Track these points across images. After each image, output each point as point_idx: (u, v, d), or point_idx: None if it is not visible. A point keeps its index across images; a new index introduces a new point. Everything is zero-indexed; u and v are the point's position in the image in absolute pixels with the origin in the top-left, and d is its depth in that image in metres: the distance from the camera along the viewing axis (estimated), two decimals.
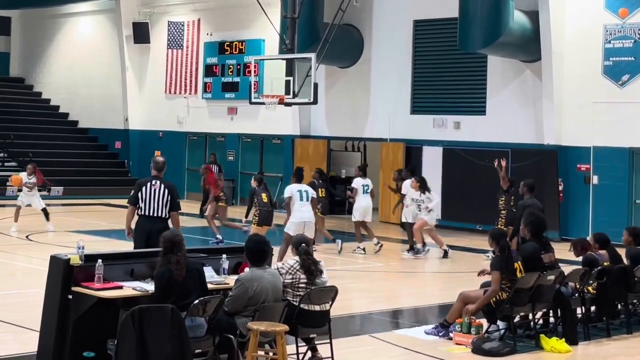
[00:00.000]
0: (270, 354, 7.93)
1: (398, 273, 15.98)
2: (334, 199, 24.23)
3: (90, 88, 32.44)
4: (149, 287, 7.84)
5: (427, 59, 23.90)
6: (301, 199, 14.20)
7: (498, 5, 19.67)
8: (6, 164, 28.52)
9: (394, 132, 24.09)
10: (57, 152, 30.77)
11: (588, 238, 12.29)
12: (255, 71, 23.96)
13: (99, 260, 7.85)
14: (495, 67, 22.31)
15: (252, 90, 22.02)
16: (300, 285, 8.34)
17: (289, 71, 20.58)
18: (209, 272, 8.31)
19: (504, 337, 9.77)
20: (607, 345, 10.27)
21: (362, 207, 17.73)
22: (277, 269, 8.35)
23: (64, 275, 7.82)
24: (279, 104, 20.74)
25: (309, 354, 8.53)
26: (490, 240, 9.95)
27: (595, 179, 20.63)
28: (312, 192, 14.68)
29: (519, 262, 9.85)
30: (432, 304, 12.73)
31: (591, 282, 10.74)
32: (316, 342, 8.63)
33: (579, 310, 10.62)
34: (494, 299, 9.72)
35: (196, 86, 29.12)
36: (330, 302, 8.43)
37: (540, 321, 10.57)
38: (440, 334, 10.08)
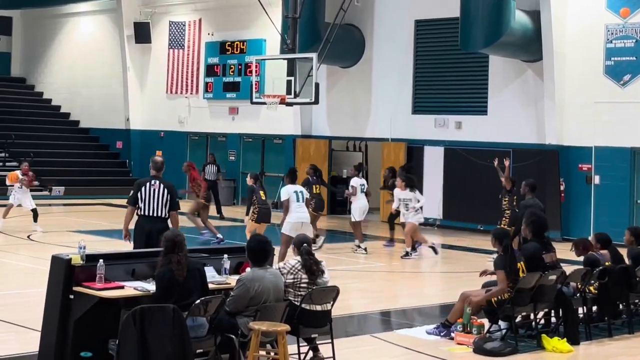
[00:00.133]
0: (272, 354, 7.93)
1: (399, 273, 15.98)
2: (336, 198, 24.25)
3: (92, 88, 32.46)
4: (150, 287, 7.84)
5: (428, 58, 23.89)
6: (297, 200, 14.32)
7: (499, 5, 19.66)
8: (7, 163, 28.52)
9: (396, 132, 24.08)
10: (58, 152, 30.79)
11: (590, 238, 12.27)
12: (256, 71, 23.95)
13: (101, 260, 7.85)
14: (497, 67, 22.30)
15: (254, 90, 22.01)
16: (302, 285, 8.33)
17: (290, 71, 20.58)
18: (210, 272, 8.31)
19: (505, 337, 9.76)
20: (608, 345, 10.26)
21: (361, 207, 17.76)
22: (279, 268, 8.35)
23: (65, 275, 7.82)
24: (280, 103, 20.74)
25: (311, 354, 8.53)
26: (493, 239, 9.93)
27: (596, 179, 20.63)
28: (306, 193, 14.83)
29: (522, 263, 9.85)
30: (433, 304, 12.73)
31: (593, 282, 10.73)
32: (317, 342, 8.63)
33: (580, 310, 10.61)
34: (495, 298, 9.72)
35: (197, 86, 29.12)
36: (331, 302, 8.43)
37: (542, 321, 10.57)
38: (441, 334, 10.07)
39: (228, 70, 28.10)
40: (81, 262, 7.87)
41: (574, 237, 17.31)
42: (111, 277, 7.92)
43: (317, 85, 20.12)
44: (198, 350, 7.59)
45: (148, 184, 11.08)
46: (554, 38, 20.62)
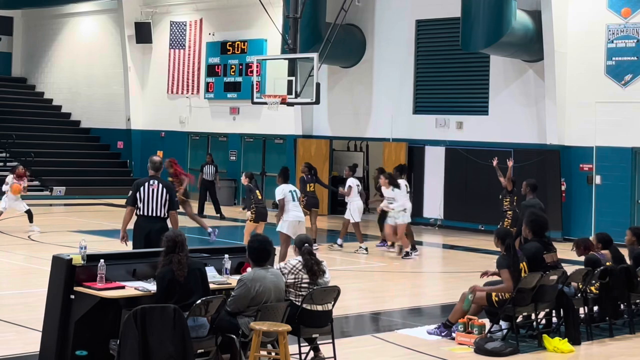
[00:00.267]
0: (273, 354, 7.92)
1: (400, 273, 15.97)
2: (337, 198, 24.21)
3: (93, 88, 32.47)
4: (151, 287, 7.83)
5: (429, 58, 23.89)
6: (293, 199, 14.42)
7: (500, 5, 19.65)
8: (8, 164, 28.51)
9: (397, 132, 24.08)
10: (59, 152, 30.80)
11: (591, 238, 12.26)
12: (257, 71, 23.93)
13: (101, 260, 7.85)
14: (498, 67, 22.30)
15: (255, 90, 22.00)
16: (303, 285, 8.33)
17: (291, 71, 20.57)
18: (211, 272, 8.30)
19: (506, 337, 9.76)
20: (609, 345, 10.26)
21: (359, 207, 17.84)
22: (280, 268, 8.34)
23: (66, 275, 7.82)
24: (281, 103, 20.74)
25: (312, 354, 8.52)
26: (496, 239, 9.92)
27: (597, 179, 20.62)
28: (299, 193, 14.96)
29: (524, 263, 9.84)
30: (434, 304, 12.73)
31: (594, 282, 10.73)
32: (318, 342, 8.63)
33: (581, 311, 10.61)
34: (496, 298, 9.71)
35: (198, 86, 29.12)
36: (332, 302, 8.43)
37: (543, 321, 10.56)
38: (442, 334, 10.07)
39: (229, 70, 28.10)
40: (82, 262, 7.87)
41: (575, 237, 17.29)
42: (112, 277, 7.92)
43: (318, 85, 20.11)
44: (199, 351, 7.58)
45: (147, 184, 11.08)
46: (555, 38, 20.61)
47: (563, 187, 20.91)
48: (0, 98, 32.18)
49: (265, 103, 21.42)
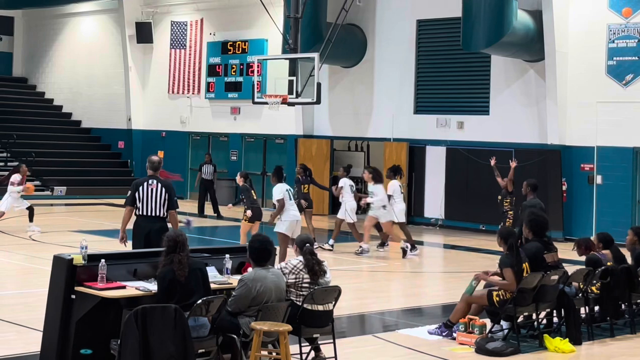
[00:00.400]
0: (274, 353, 7.92)
1: (401, 273, 15.97)
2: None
3: (93, 88, 32.47)
4: (152, 286, 7.83)
5: (430, 58, 23.89)
6: (290, 199, 14.48)
7: (501, 5, 19.64)
8: (9, 163, 28.51)
9: (397, 132, 24.08)
10: (60, 152, 30.79)
11: (592, 238, 12.26)
12: (258, 71, 23.89)
13: (102, 260, 7.84)
14: (499, 66, 22.29)
15: (255, 90, 21.99)
16: (304, 285, 8.33)
17: (292, 71, 20.57)
18: (212, 272, 8.30)
19: (507, 337, 9.76)
20: (610, 345, 10.25)
21: (352, 207, 17.90)
22: (281, 268, 8.34)
23: (67, 275, 7.82)
24: (282, 103, 20.74)
25: (312, 354, 8.52)
26: (499, 239, 9.92)
27: (599, 179, 20.62)
28: (293, 192, 15.04)
29: (527, 263, 9.84)
30: (435, 303, 12.73)
31: (595, 282, 10.72)
32: (319, 342, 8.63)
33: (582, 310, 10.61)
34: (497, 298, 9.71)
35: (199, 86, 29.12)
36: (333, 302, 8.42)
37: (544, 321, 10.55)
38: (443, 334, 10.07)
39: (230, 70, 28.09)
40: (83, 262, 7.87)
41: (576, 237, 17.28)
42: (113, 277, 7.92)
43: (318, 85, 20.11)
44: (200, 350, 7.58)
45: (145, 183, 11.06)
46: (556, 38, 20.61)
47: (564, 187, 20.90)
48: (1, 98, 32.18)
49: (266, 103, 21.41)
